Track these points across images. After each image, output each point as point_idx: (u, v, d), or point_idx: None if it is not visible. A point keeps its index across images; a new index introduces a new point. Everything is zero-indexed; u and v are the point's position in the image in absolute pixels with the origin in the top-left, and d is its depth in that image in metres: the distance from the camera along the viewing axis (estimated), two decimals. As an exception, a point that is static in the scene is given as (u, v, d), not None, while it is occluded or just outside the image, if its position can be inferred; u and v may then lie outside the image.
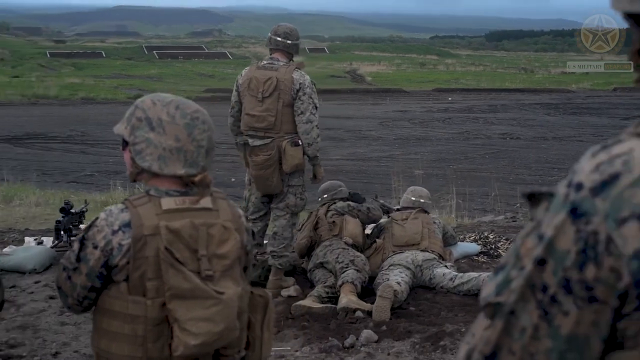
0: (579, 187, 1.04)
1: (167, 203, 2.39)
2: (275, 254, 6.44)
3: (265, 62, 6.43)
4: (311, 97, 6.22)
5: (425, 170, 13.84)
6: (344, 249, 6.47)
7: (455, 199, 10.11)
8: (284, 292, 6.37)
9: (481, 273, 6.35)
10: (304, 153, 6.29)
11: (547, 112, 30.41)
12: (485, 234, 8.02)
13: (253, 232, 2.64)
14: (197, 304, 2.30)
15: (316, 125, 6.27)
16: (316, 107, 6.28)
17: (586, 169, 1.05)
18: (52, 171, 15.73)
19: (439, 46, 72.20)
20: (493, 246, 7.68)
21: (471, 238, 7.90)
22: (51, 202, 10.36)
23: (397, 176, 10.81)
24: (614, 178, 1.01)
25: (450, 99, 36.59)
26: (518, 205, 10.95)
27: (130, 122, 2.45)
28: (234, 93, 6.50)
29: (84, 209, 7.55)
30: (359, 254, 6.48)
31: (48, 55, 60.63)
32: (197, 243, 2.35)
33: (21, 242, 7.58)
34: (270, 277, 6.47)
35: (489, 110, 31.24)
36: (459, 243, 7.46)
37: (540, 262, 1.05)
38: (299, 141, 6.24)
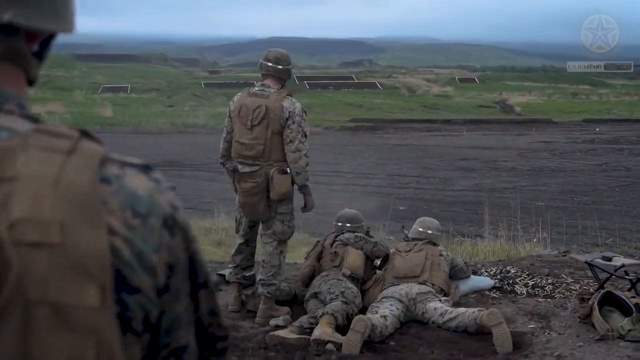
0: None
1: None
2: (263, 282, 6.37)
3: (256, 88, 6.42)
4: (300, 126, 6.17)
5: (546, 202, 13.38)
6: (338, 280, 6.38)
7: (541, 232, 9.67)
8: (273, 322, 6.26)
9: (468, 309, 6.07)
10: (293, 182, 6.25)
11: (700, 145, 28.73)
12: (507, 269, 7.62)
13: None
14: None
15: (305, 154, 6.22)
16: (305, 136, 6.24)
17: None
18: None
19: (593, 75, 69.90)
20: (510, 281, 7.30)
21: (491, 272, 7.55)
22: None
23: (489, 207, 10.50)
24: None
25: (597, 129, 35.24)
26: (635, 241, 10.36)
27: None
28: (227, 119, 6.52)
29: None
30: (351, 285, 6.35)
31: (203, 86, 62.65)
32: None
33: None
34: (260, 306, 6.37)
35: (637, 141, 29.82)
36: (472, 277, 7.18)
37: None
38: (288, 169, 6.19)
